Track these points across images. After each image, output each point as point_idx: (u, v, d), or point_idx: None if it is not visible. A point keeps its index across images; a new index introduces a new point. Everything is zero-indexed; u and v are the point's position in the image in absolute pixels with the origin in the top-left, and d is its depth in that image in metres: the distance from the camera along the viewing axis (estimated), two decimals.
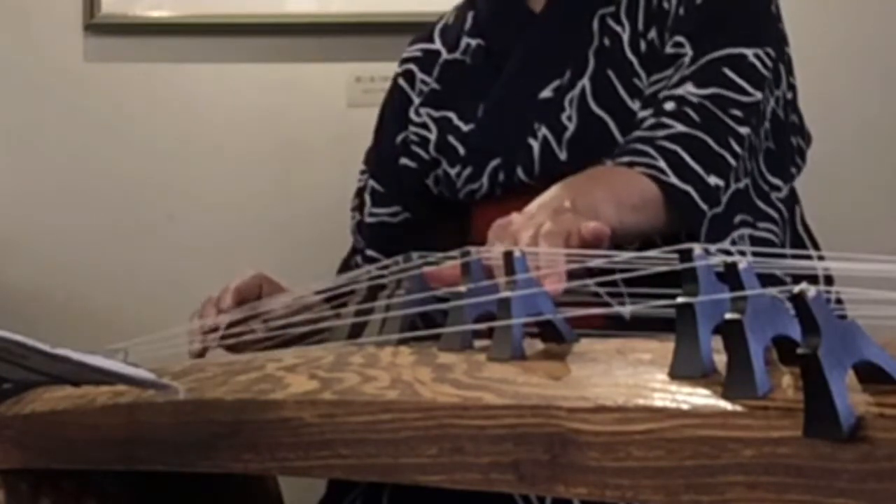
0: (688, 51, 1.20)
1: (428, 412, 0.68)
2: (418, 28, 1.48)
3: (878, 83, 1.93)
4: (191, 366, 0.94)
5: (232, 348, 1.15)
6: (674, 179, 1.10)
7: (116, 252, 1.92)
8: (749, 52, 1.19)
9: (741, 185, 1.19)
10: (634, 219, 1.06)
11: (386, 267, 0.92)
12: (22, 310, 1.88)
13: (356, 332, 0.89)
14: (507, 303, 0.72)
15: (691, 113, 1.15)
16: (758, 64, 1.19)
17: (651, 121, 1.17)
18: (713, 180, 1.13)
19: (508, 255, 0.75)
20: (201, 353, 1.16)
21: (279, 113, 1.96)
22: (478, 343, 0.77)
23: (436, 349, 0.77)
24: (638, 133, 1.16)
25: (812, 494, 0.53)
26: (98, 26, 1.96)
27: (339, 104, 1.81)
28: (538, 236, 0.89)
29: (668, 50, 1.21)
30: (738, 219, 1.19)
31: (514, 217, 0.95)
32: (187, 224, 1.94)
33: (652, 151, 1.11)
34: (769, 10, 1.25)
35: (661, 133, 1.14)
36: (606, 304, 0.89)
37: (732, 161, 1.15)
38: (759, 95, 1.19)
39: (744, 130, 1.16)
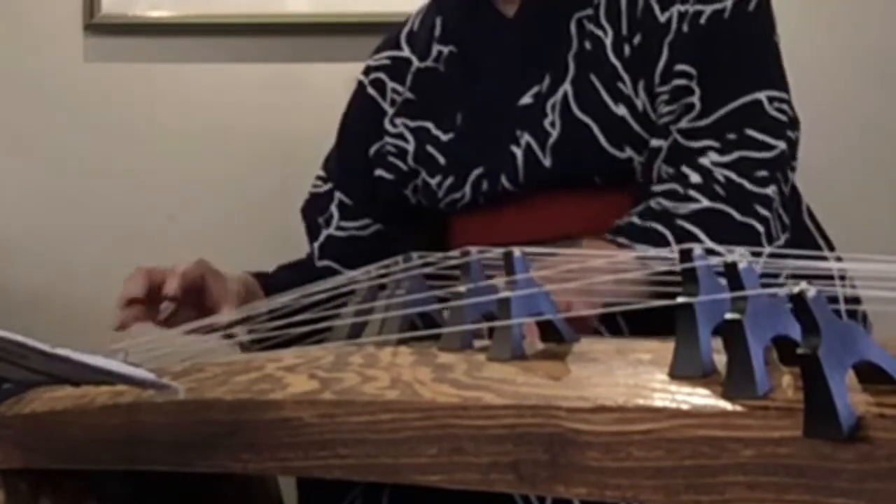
0: (695, 88, 1.18)
1: (428, 412, 0.68)
2: None
3: (878, 83, 1.93)
4: (191, 366, 0.94)
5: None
6: None
7: (116, 252, 1.92)
8: (763, 97, 1.17)
9: (780, 242, 1.17)
10: (624, 293, 1.05)
11: (386, 267, 0.92)
12: (22, 310, 1.88)
13: (356, 332, 0.89)
14: (506, 303, 0.72)
15: (717, 189, 1.14)
16: (775, 112, 1.17)
17: (675, 187, 1.15)
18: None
19: (508, 255, 0.75)
20: (122, 328, 1.15)
21: (279, 113, 1.96)
22: (478, 343, 0.77)
23: (436, 349, 0.77)
24: (661, 202, 1.14)
25: (812, 494, 0.53)
26: (98, 26, 1.96)
27: (337, 104, 1.81)
28: None
29: (677, 81, 1.19)
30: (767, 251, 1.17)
31: None
32: (187, 224, 1.94)
33: (669, 237, 1.10)
34: (775, 42, 1.23)
35: (683, 210, 1.13)
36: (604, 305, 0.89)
37: (760, 226, 1.13)
38: (782, 145, 1.17)
39: (770, 190, 1.15)
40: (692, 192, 1.14)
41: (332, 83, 1.90)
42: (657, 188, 1.16)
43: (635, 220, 1.13)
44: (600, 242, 1.10)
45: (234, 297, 1.21)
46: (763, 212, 1.14)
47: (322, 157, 1.47)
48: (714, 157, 1.15)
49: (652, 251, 1.07)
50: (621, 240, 1.10)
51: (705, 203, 1.13)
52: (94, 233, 1.96)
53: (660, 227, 1.11)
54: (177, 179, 1.97)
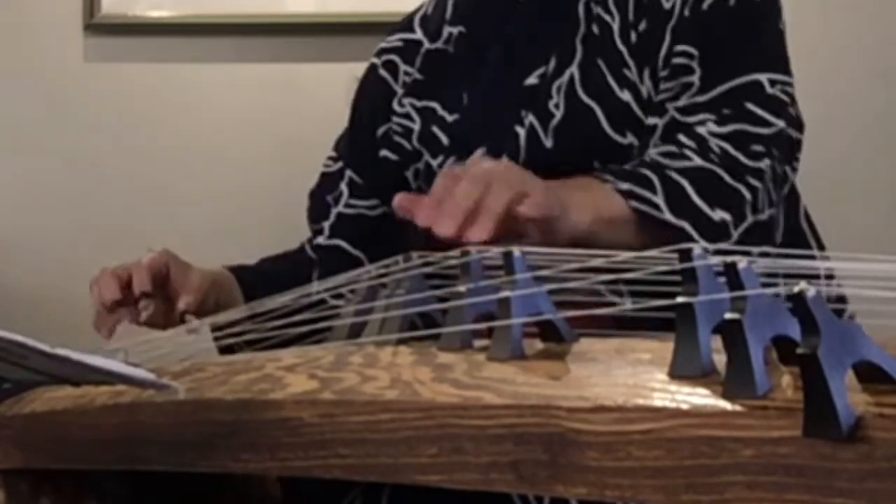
0: (696, 68, 1.18)
1: (427, 412, 0.68)
2: None
3: (878, 83, 1.93)
4: (191, 366, 0.94)
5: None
6: (668, 216, 1.09)
7: (116, 252, 1.92)
8: (764, 79, 1.18)
9: (763, 216, 1.16)
10: (607, 232, 1.05)
11: (386, 266, 0.92)
12: (22, 310, 1.88)
13: (356, 331, 0.89)
14: (506, 302, 0.72)
15: (712, 156, 1.14)
16: (776, 92, 1.18)
17: (671, 148, 1.16)
18: (718, 215, 1.11)
19: (508, 255, 0.75)
20: (111, 333, 1.17)
21: (279, 113, 1.97)
22: (478, 343, 0.77)
23: (435, 349, 0.77)
24: (653, 156, 1.15)
25: (811, 494, 0.53)
26: (98, 26, 1.96)
27: (338, 104, 1.81)
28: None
29: (676, 60, 1.19)
30: (757, 251, 1.17)
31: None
32: (187, 224, 1.94)
33: (656, 182, 1.11)
34: (780, 28, 1.24)
35: (676, 164, 1.13)
36: (606, 304, 0.89)
37: (748, 194, 1.13)
38: (781, 124, 1.17)
39: (763, 164, 1.15)
40: (687, 152, 1.15)
41: (332, 83, 1.91)
42: (652, 151, 1.17)
43: (625, 166, 1.14)
44: (587, 179, 1.11)
45: (195, 288, 1.23)
46: (754, 182, 1.14)
47: (320, 156, 1.47)
48: (712, 126, 1.16)
49: (637, 190, 1.09)
50: (606, 176, 1.11)
51: (698, 161, 1.14)
52: (94, 233, 1.96)
53: (648, 172, 1.12)
54: (177, 179, 1.97)
